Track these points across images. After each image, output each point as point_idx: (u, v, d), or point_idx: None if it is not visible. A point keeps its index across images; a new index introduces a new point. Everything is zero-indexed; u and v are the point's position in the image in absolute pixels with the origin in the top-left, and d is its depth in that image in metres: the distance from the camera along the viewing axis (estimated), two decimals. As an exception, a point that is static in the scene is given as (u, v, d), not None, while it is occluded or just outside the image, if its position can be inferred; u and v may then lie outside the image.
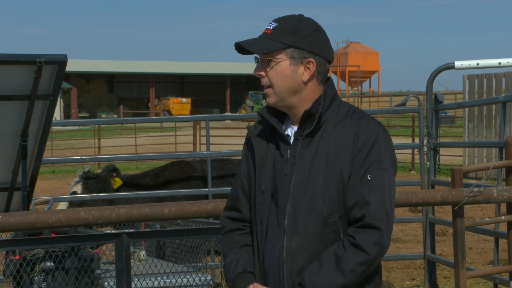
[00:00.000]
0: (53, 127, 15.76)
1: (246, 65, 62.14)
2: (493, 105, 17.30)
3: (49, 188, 18.21)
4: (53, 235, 4.98)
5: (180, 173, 9.76)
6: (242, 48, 2.82)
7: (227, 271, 2.91)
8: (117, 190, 9.36)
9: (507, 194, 4.96)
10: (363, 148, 2.75)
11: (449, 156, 20.88)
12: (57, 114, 47.06)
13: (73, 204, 8.99)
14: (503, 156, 5.91)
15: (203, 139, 21.26)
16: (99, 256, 5.09)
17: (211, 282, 5.21)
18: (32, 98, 5.19)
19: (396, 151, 3.11)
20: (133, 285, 4.53)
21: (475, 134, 18.41)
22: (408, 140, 22.86)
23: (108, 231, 5.78)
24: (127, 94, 63.91)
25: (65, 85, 49.95)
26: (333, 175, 2.75)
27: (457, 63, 7.26)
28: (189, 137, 25.67)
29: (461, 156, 19.88)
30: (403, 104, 8.51)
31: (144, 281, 4.98)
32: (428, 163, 7.80)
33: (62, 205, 9.12)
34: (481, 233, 7.70)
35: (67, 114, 54.12)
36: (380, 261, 2.83)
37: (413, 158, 20.41)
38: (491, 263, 8.94)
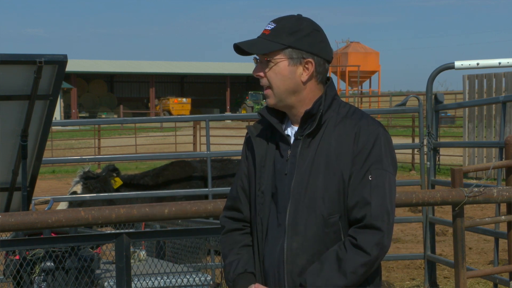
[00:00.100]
0: (53, 127, 15.74)
1: (246, 65, 62.13)
2: (493, 105, 17.29)
3: (49, 188, 18.20)
4: (53, 235, 4.98)
5: (180, 173, 9.75)
6: (240, 49, 2.82)
7: (228, 271, 2.91)
8: (117, 190, 9.36)
9: (507, 194, 4.96)
10: (363, 149, 2.75)
11: (449, 156, 20.87)
12: (57, 114, 47.03)
13: (73, 204, 8.99)
14: (503, 156, 5.91)
15: (203, 139, 21.26)
16: (99, 256, 5.09)
17: (211, 282, 5.21)
18: (32, 98, 5.19)
19: (396, 151, 3.11)
20: (133, 285, 4.52)
21: (475, 134, 18.40)
22: (408, 140, 22.85)
23: (108, 231, 5.79)
24: (127, 94, 63.88)
25: (65, 85, 49.93)
26: (334, 175, 2.75)
27: (457, 63, 7.26)
28: (189, 137, 25.67)
29: (461, 156, 19.88)
30: (403, 104, 8.51)
31: (144, 281, 4.98)
32: (428, 163, 7.80)
33: (62, 205, 9.11)
34: (481, 233, 7.70)
35: (67, 114, 54.10)
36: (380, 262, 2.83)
37: (413, 158, 20.40)
38: (491, 263, 8.94)
